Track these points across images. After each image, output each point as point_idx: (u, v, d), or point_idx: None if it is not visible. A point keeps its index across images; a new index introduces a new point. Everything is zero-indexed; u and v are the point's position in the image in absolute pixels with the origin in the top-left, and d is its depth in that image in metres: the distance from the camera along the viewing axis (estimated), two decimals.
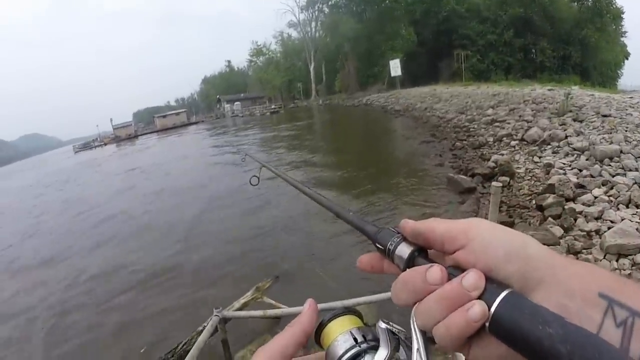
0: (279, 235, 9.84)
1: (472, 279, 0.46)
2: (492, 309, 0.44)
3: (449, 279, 0.49)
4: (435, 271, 0.49)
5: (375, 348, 0.54)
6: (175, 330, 6.28)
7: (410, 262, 0.57)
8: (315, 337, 0.60)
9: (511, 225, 7.21)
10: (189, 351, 4.87)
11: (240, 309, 5.58)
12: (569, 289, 0.41)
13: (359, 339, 0.56)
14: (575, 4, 61.44)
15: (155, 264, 9.47)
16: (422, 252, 0.58)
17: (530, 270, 0.44)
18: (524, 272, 0.44)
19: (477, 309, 0.44)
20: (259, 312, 4.95)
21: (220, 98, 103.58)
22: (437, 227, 0.54)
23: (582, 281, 0.41)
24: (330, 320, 0.60)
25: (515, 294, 0.44)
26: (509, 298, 0.44)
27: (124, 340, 6.56)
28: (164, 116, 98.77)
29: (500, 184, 6.95)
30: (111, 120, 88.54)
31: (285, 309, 5.09)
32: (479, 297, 0.45)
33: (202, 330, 4.89)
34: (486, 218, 7.14)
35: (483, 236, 0.49)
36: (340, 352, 0.55)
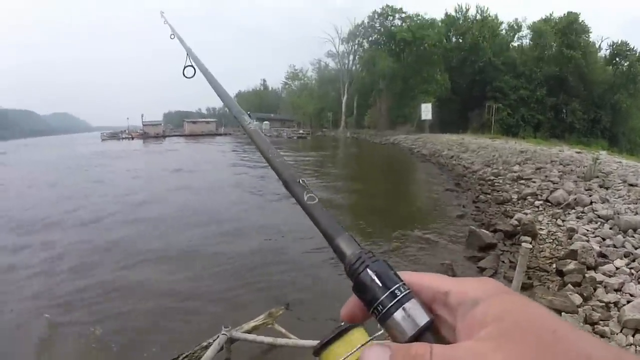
0: (297, 260, 9.87)
1: None
2: None
3: None
4: None
5: None
6: (175, 338, 6.29)
7: (420, 336, 0.44)
8: None
9: (530, 287, 7.34)
10: None
11: (249, 331, 5.34)
12: None
13: None
14: (611, 67, 61.53)
15: (168, 259, 9.84)
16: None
17: None
18: None
19: None
20: (269, 339, 4.95)
21: (251, 114, 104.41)
22: (451, 290, 0.46)
23: None
24: (332, 341, 0.47)
25: None
26: None
27: (122, 343, 6.45)
28: (194, 122, 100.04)
29: (530, 246, 7.05)
30: (142, 116, 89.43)
31: (296, 340, 4.95)
32: None
33: (206, 346, 4.96)
34: (504, 278, 7.26)
35: (514, 318, 0.40)
36: None
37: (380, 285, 0.45)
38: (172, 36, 1.72)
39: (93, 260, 10.18)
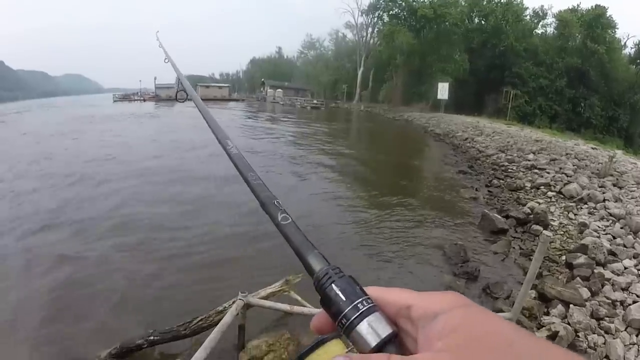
0: (317, 229, 9.90)
1: None
2: None
3: None
4: None
5: None
6: (189, 302, 6.37)
7: (383, 347, 0.45)
8: None
9: (539, 276, 7.45)
10: (204, 327, 5.07)
11: (265, 297, 5.32)
12: None
13: None
14: (634, 67, 60.70)
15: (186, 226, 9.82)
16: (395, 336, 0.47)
17: None
18: None
19: None
20: (285, 306, 4.94)
21: (265, 81, 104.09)
22: (414, 304, 0.47)
23: None
24: (310, 351, 0.51)
25: None
26: None
27: (137, 302, 6.57)
28: (207, 86, 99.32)
29: (551, 234, 7.13)
30: (155, 78, 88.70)
31: (311, 309, 4.95)
32: None
33: (222, 311, 5.01)
34: (514, 263, 7.35)
35: (471, 330, 0.41)
36: None
37: (345, 299, 0.48)
38: (166, 60, 1.82)
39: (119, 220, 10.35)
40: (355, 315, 0.46)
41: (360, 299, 0.47)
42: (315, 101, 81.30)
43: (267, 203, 0.65)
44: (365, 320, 0.45)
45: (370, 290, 0.49)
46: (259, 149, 21.51)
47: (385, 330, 0.45)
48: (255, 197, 0.68)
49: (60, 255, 8.13)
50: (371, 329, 0.45)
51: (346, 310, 0.46)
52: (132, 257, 8.17)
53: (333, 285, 0.49)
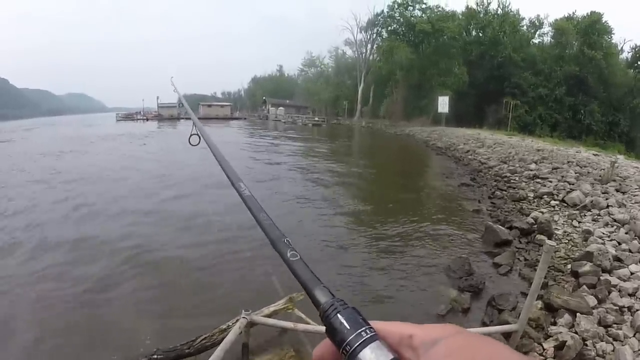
0: (317, 247, 9.85)
1: None
2: None
3: None
4: None
5: None
6: (191, 321, 6.29)
7: None
8: None
9: (545, 286, 7.44)
10: (208, 346, 5.08)
11: (269, 315, 5.35)
12: None
13: None
14: (632, 71, 60.85)
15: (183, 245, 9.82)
16: None
17: None
18: None
19: None
20: (289, 324, 4.97)
21: (266, 99, 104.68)
22: (415, 333, 0.49)
23: None
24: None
25: None
26: None
27: (140, 321, 6.47)
28: (209, 105, 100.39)
29: (555, 243, 7.12)
30: (157, 98, 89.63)
31: (315, 326, 4.94)
32: None
33: (225, 329, 5.02)
34: (519, 275, 7.34)
35: (471, 353, 0.44)
36: None
37: (349, 327, 0.50)
38: (180, 104, 1.86)
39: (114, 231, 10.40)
40: (359, 343, 0.48)
41: (363, 328, 0.49)
42: (316, 118, 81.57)
43: (276, 241, 0.71)
44: (368, 347, 0.47)
45: (373, 324, 0.52)
46: (262, 169, 21.57)
47: (386, 357, 0.46)
48: (266, 236, 0.73)
49: (60, 272, 8.21)
50: (373, 355, 0.46)
51: (350, 338, 0.49)
52: (132, 275, 8.19)
53: (338, 315, 0.53)
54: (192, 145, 1.79)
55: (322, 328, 0.54)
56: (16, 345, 5.85)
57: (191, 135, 1.64)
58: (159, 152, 29.34)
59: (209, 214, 12.46)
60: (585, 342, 5.72)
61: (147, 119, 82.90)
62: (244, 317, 4.72)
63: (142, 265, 8.72)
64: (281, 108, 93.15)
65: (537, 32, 69.33)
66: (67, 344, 5.88)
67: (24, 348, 5.80)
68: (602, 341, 5.76)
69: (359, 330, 0.49)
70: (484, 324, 6.58)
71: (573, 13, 64.04)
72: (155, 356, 5.14)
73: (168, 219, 12.20)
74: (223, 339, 4.39)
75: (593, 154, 24.03)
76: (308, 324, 5.24)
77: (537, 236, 10.47)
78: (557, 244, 9.79)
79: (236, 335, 4.46)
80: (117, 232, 10.78)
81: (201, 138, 1.62)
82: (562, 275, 8.31)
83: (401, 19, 74.14)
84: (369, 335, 0.48)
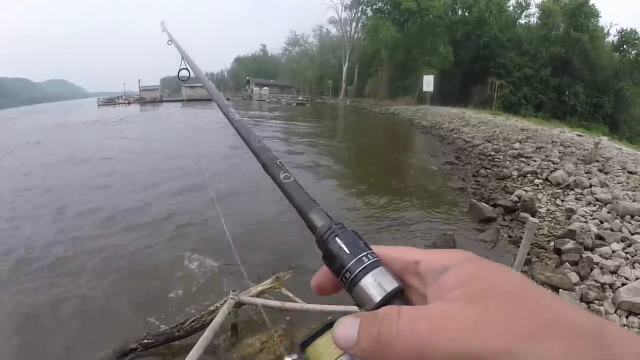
0: (301, 224, 9.82)
1: None
2: None
3: None
4: None
5: None
6: (179, 304, 6.35)
7: (389, 301, 0.43)
8: None
9: (528, 262, 7.48)
10: (197, 328, 5.06)
11: (256, 295, 5.27)
12: None
13: None
14: (618, 54, 61.16)
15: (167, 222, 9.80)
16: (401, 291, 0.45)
17: None
18: None
19: None
20: (276, 303, 4.97)
21: (250, 80, 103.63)
22: (422, 259, 0.46)
23: None
24: (317, 335, 0.46)
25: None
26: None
27: (125, 305, 6.51)
28: (192, 87, 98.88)
29: (537, 220, 7.13)
30: (139, 81, 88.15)
31: (303, 304, 4.90)
32: None
33: (214, 311, 5.00)
34: (503, 250, 7.38)
35: (484, 280, 0.40)
36: None
37: (348, 252, 0.45)
38: (170, 42, 1.84)
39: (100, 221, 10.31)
40: (360, 269, 0.44)
41: (364, 253, 0.45)
42: (300, 97, 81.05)
43: (268, 164, 0.65)
44: (370, 273, 0.43)
45: (375, 248, 0.47)
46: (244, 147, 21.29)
47: (391, 284, 0.43)
48: (257, 159, 0.68)
49: (51, 263, 8.08)
50: (376, 283, 0.43)
51: (350, 264, 0.44)
52: (120, 262, 8.08)
53: (337, 239, 0.47)
54: (182, 79, 1.77)
55: (309, 306, 0.46)
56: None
57: (180, 69, 1.62)
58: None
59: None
60: None
61: (129, 103, 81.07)
62: (232, 298, 4.69)
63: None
64: (265, 88, 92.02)
65: (524, 13, 69.09)
66: (53, 334, 5.85)
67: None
68: None
69: (360, 256, 0.45)
70: None
71: None
72: (145, 340, 5.13)
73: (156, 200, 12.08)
74: (212, 320, 4.37)
75: (577, 135, 24.28)
76: (295, 302, 5.23)
77: (520, 214, 10.55)
78: (540, 222, 9.88)
79: (225, 316, 4.45)
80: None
81: (191, 72, 1.64)
82: (545, 252, 8.41)
83: None
84: (371, 261, 0.44)
